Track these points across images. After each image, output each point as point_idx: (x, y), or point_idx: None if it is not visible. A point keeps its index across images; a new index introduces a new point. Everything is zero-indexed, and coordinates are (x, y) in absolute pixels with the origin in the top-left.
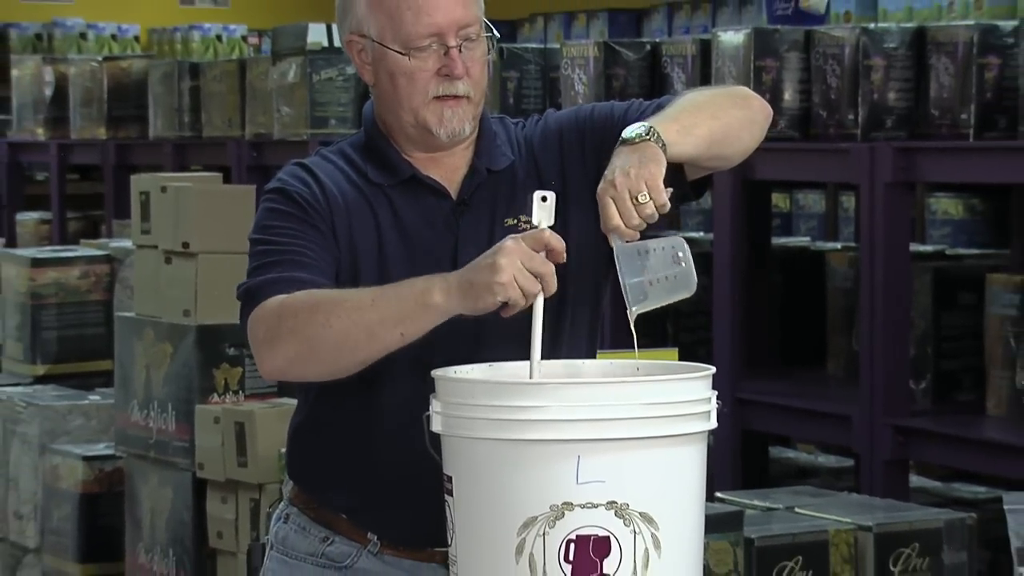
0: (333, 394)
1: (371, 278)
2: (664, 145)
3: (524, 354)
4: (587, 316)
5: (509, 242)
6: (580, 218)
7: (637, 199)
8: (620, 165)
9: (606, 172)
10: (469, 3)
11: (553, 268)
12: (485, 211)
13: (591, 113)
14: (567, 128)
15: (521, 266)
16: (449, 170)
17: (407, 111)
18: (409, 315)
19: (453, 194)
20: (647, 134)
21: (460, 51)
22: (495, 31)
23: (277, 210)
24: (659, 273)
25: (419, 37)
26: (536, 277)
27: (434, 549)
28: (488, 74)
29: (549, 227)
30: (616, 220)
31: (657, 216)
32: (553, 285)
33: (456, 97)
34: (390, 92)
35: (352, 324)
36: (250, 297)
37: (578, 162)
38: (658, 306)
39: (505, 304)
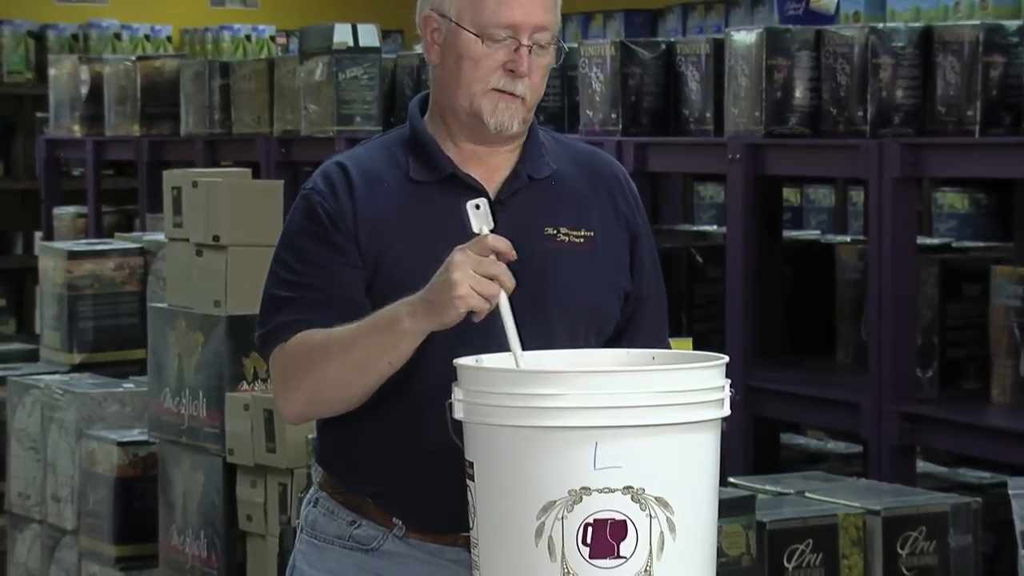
0: None
1: (404, 276)
2: None
3: (544, 346)
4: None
5: (457, 256)
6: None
7: None
8: None
9: None
10: (550, 9)
11: (504, 266)
12: (523, 215)
13: (640, 236)
14: (626, 205)
15: (473, 274)
16: (490, 170)
17: (464, 95)
18: (389, 345)
19: (491, 193)
20: None
21: (530, 52)
22: (564, 44)
23: (302, 227)
24: None
25: (497, 26)
26: (491, 279)
27: (457, 533)
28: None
29: (491, 231)
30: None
31: None
32: (509, 281)
33: (513, 95)
34: (453, 73)
35: (342, 366)
36: (264, 344)
37: (619, 229)
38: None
39: (472, 313)
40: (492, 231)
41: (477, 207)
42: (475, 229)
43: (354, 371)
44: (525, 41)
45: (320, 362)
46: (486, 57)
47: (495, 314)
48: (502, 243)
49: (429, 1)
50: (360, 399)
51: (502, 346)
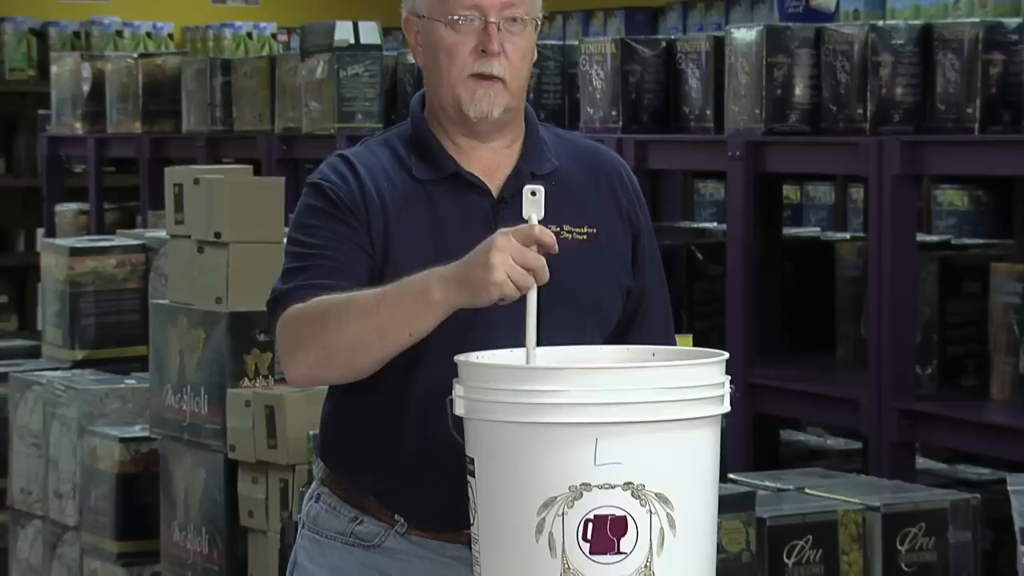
0: (363, 381)
1: (408, 273)
2: None
3: (549, 343)
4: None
5: (499, 239)
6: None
7: None
8: None
9: None
10: None
11: (544, 261)
12: None
13: (642, 232)
14: (628, 201)
15: (513, 263)
16: (492, 168)
17: (446, 87)
18: (413, 314)
19: (494, 192)
20: None
21: (499, 29)
22: (539, 18)
23: (313, 207)
24: None
25: (461, 7)
26: (529, 271)
27: (460, 530)
28: (531, 68)
29: (539, 221)
30: None
31: None
32: (545, 276)
33: (492, 77)
34: (434, 69)
35: (361, 328)
36: (275, 307)
37: (621, 226)
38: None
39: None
40: (540, 222)
41: (533, 194)
42: (525, 215)
43: (373, 335)
44: (493, 19)
45: (338, 322)
46: (458, 44)
47: (504, 309)
48: (547, 236)
49: (406, 5)
50: (372, 367)
51: (505, 342)
